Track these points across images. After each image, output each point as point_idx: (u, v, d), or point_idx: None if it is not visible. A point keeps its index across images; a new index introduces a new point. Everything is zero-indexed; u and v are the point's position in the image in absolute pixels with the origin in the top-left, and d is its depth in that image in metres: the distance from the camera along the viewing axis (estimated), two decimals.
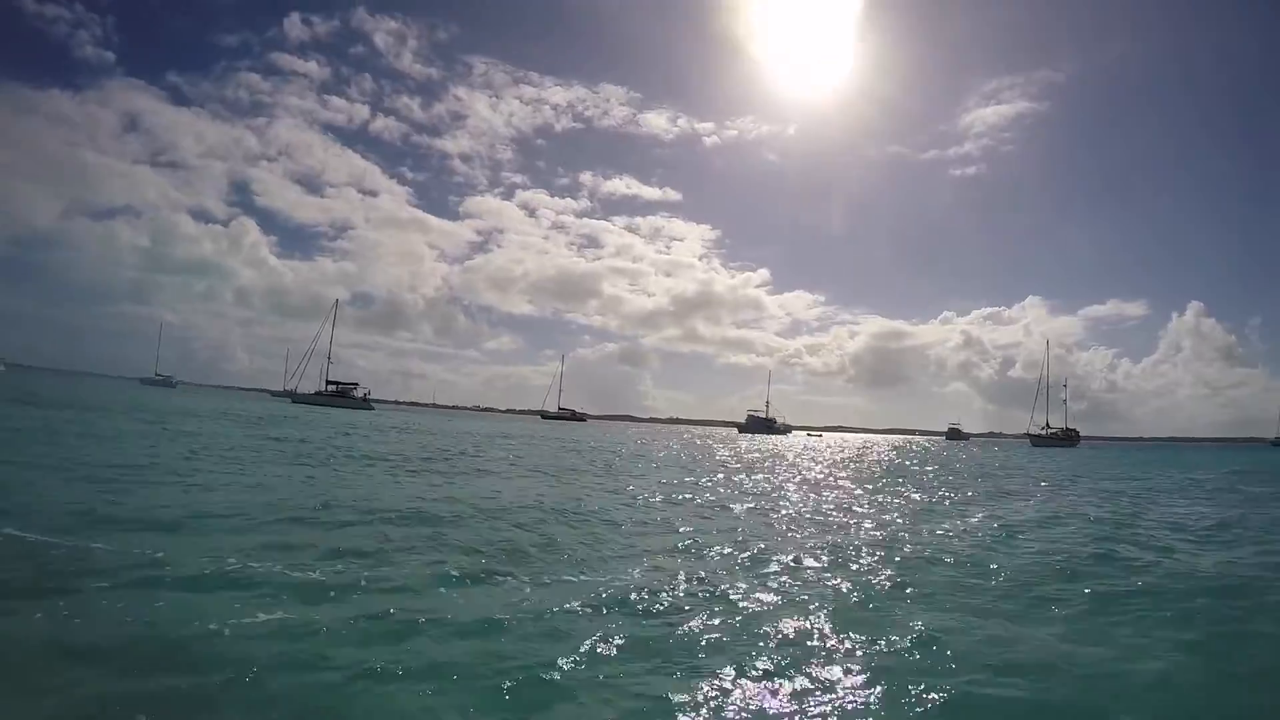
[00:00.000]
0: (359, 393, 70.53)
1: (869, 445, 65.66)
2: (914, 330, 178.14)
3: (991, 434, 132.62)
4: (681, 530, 8.96)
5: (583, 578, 6.09)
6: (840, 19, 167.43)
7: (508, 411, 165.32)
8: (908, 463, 31.15)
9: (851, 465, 27.43)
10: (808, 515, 11.10)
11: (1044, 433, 78.72)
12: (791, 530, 9.49)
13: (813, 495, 14.38)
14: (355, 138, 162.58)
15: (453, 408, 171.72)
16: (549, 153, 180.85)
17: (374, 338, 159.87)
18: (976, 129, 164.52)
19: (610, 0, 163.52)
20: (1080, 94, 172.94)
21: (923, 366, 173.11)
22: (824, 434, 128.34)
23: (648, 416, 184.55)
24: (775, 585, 6.12)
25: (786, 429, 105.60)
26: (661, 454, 28.77)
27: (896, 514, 11.71)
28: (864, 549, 8.00)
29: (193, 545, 6.17)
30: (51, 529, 6.27)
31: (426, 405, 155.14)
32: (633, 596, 5.45)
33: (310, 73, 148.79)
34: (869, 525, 10.18)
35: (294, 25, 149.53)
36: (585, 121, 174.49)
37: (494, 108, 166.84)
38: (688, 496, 13.01)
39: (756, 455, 33.00)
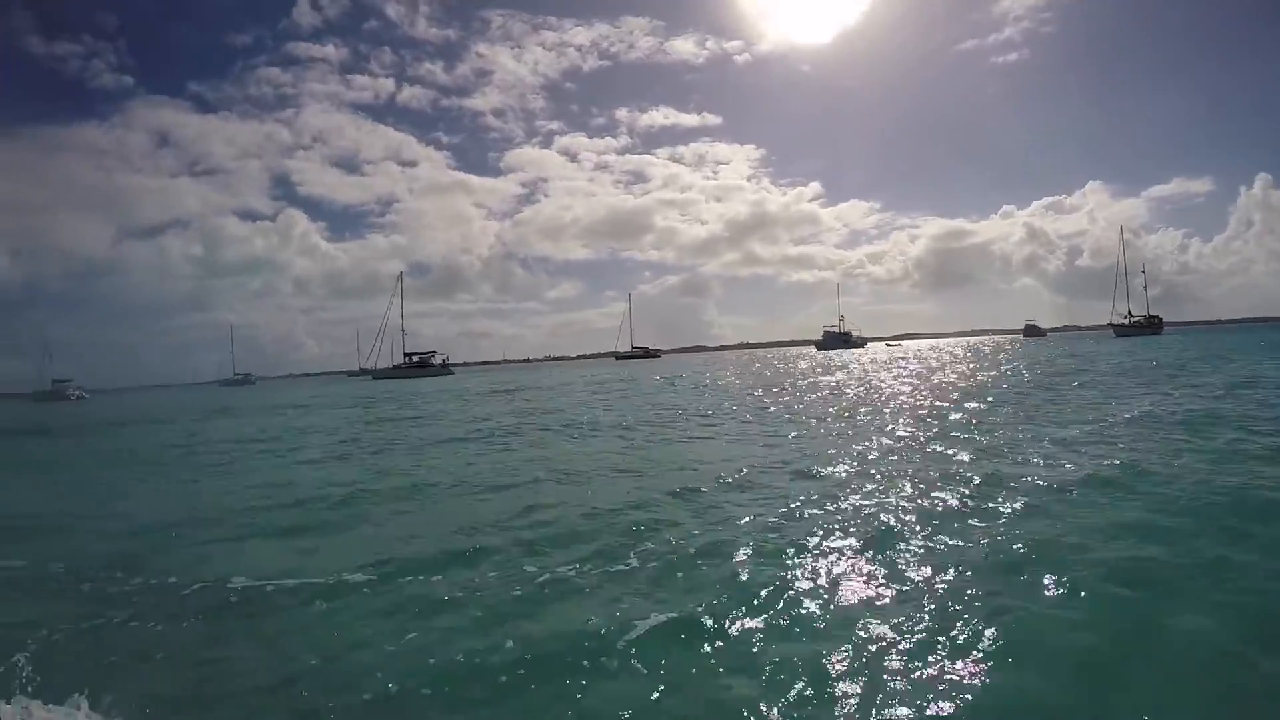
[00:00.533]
0: (437, 360, 70.82)
1: (962, 351, 61.31)
2: (975, 228, 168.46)
3: (1067, 327, 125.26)
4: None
5: None
6: None
7: (579, 357, 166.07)
8: (1033, 370, 27.81)
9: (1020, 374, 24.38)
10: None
11: (1126, 321, 74.64)
12: None
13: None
14: (385, 112, 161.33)
15: (524, 361, 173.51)
16: (581, 95, 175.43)
17: (435, 304, 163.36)
18: (1015, 12, 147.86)
19: None
20: None
21: (987, 264, 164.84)
22: (902, 343, 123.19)
23: (717, 345, 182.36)
24: None
25: (863, 341, 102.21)
26: (801, 382, 26.33)
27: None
28: None
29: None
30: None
31: (498, 363, 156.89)
32: None
33: (328, 56, 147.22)
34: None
35: (304, 12, 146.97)
36: (612, 58, 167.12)
37: (518, 58, 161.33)
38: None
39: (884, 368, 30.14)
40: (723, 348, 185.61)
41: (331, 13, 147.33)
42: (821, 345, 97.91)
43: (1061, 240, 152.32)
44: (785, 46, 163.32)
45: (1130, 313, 75.19)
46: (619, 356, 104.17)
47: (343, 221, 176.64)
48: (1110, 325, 76.04)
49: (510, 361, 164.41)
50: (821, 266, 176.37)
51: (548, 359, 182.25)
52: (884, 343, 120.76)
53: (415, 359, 70.04)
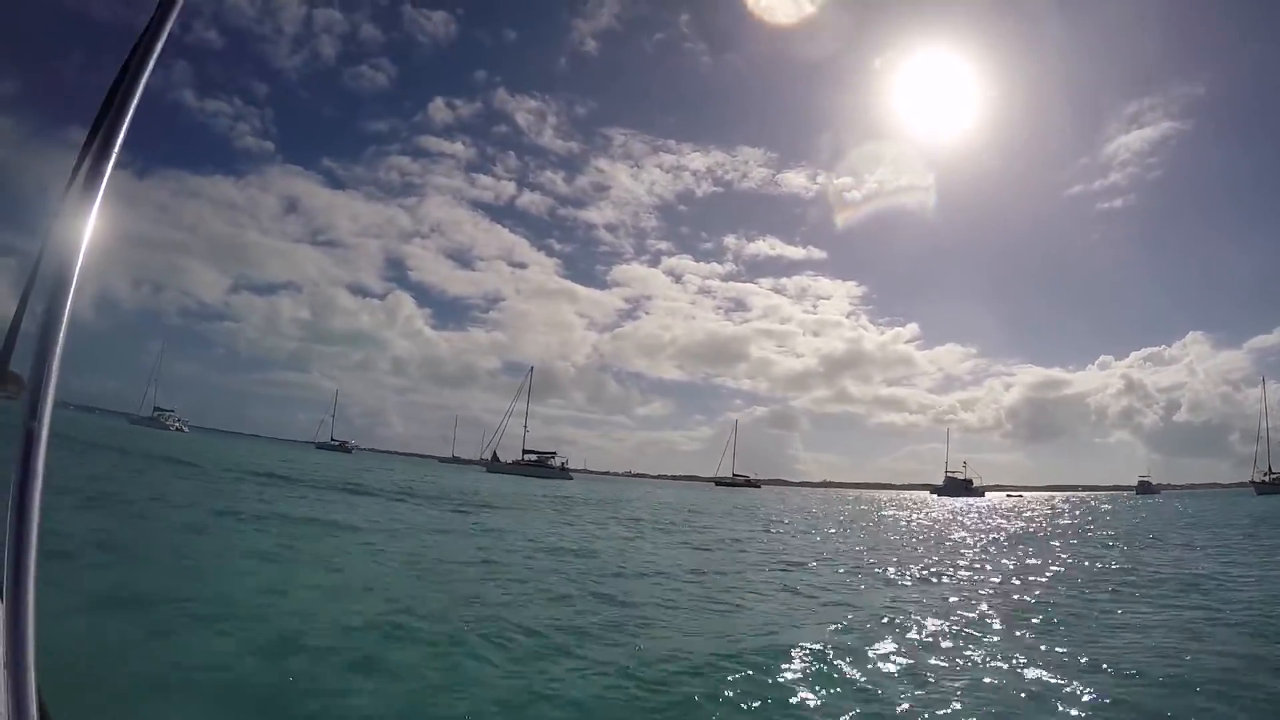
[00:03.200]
0: (556, 462, 69.44)
1: (1108, 506, 55.18)
2: (1070, 378, 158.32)
3: (1185, 485, 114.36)
4: None
5: None
6: (968, 62, 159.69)
7: (659, 477, 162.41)
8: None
9: None
10: None
11: (1266, 479, 70.57)
12: None
13: None
14: (503, 213, 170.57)
15: (604, 474, 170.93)
16: (692, 218, 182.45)
17: (525, 405, 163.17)
18: (1121, 157, 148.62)
19: (739, 65, 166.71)
20: (1225, 105, 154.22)
21: (1082, 416, 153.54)
22: (1024, 493, 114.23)
23: (799, 480, 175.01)
24: None
25: (982, 490, 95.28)
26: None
27: None
28: None
29: None
30: None
31: (578, 471, 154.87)
32: None
33: (457, 153, 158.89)
34: None
35: (439, 109, 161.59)
36: (725, 185, 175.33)
37: (635, 177, 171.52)
38: None
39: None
40: (805, 484, 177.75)
41: (465, 113, 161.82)
42: (941, 491, 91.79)
43: (1160, 393, 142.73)
44: (893, 185, 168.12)
45: (1270, 469, 71.89)
46: (719, 482, 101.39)
47: (448, 311, 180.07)
48: (1251, 483, 72.88)
49: (590, 472, 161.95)
50: (913, 410, 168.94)
51: (629, 474, 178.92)
52: (1005, 492, 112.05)
53: (534, 457, 68.97)
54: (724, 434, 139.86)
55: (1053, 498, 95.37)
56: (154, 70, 0.98)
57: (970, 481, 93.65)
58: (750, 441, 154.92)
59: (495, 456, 70.47)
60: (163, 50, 0.99)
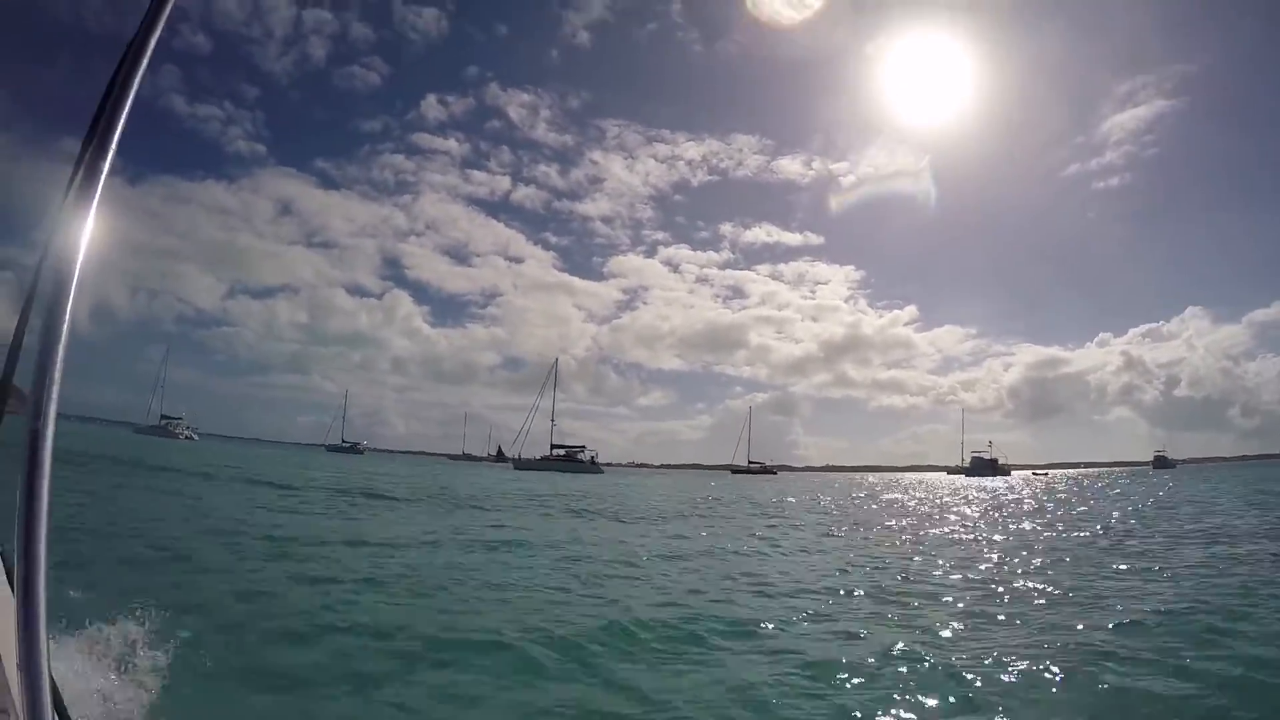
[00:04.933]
0: (586, 455, 66.61)
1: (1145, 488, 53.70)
2: (1070, 356, 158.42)
3: (1186, 460, 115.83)
4: None
5: None
6: (961, 44, 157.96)
7: (661, 466, 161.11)
8: None
9: None
10: None
11: None
12: None
13: None
14: (498, 208, 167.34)
15: (607, 464, 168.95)
16: (687, 207, 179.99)
17: (527, 399, 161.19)
18: (1116, 136, 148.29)
19: (732, 53, 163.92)
20: (1219, 83, 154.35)
21: (1082, 394, 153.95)
22: (1049, 472, 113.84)
23: (802, 465, 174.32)
24: None
25: (1008, 469, 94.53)
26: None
27: None
28: None
29: None
30: None
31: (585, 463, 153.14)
32: None
33: (450, 149, 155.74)
34: None
35: (431, 106, 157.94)
36: (720, 173, 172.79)
37: (630, 168, 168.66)
38: None
39: None
40: (808, 468, 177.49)
41: (457, 109, 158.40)
42: (969, 471, 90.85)
43: (1159, 369, 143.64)
44: (889, 168, 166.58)
45: None
46: (735, 470, 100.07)
47: (446, 308, 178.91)
48: None
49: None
50: (913, 392, 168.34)
51: (631, 464, 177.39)
52: (1031, 471, 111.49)
53: (562, 452, 66.04)
54: (725, 422, 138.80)
55: (1082, 475, 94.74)
56: (144, 77, 0.98)
57: (996, 461, 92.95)
58: (752, 428, 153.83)
59: (519, 455, 67.45)
60: (152, 56, 0.99)
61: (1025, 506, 26.00)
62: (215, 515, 13.50)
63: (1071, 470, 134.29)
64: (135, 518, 12.20)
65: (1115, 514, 20.46)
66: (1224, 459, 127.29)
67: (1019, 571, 10.34)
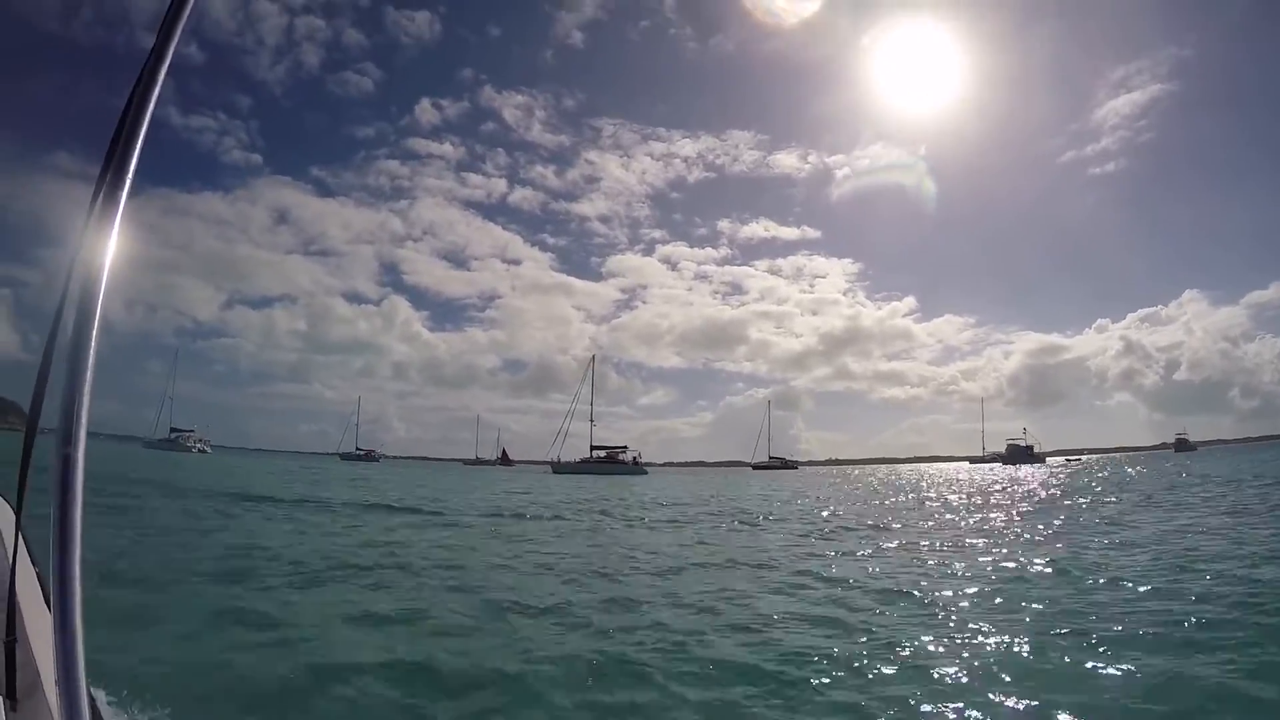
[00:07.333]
0: (628, 456, 63.15)
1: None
2: (1069, 343, 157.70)
3: (1204, 442, 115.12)
4: None
5: None
6: (955, 34, 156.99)
7: (665, 464, 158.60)
8: None
9: None
10: None
11: None
12: None
13: None
14: (495, 210, 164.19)
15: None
16: (684, 205, 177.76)
17: (527, 401, 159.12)
18: (1111, 122, 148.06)
19: (726, 49, 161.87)
20: (1213, 66, 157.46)
21: (1082, 380, 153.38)
22: (1081, 457, 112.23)
23: (805, 460, 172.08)
24: None
25: (1043, 456, 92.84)
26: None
27: None
28: None
29: None
30: None
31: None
32: None
33: (446, 154, 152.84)
34: None
35: (426, 111, 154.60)
36: (717, 170, 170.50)
37: (626, 166, 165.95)
38: None
39: None
40: (811, 463, 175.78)
41: (452, 113, 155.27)
42: (1007, 460, 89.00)
43: (1159, 353, 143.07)
44: (885, 159, 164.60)
45: None
46: (756, 466, 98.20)
47: (444, 313, 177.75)
48: None
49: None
50: (913, 383, 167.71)
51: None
52: (1064, 456, 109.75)
53: (603, 454, 62.57)
54: (726, 419, 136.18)
55: (1112, 460, 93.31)
56: (159, 95, 0.96)
57: (1031, 448, 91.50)
58: (752, 422, 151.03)
59: (558, 459, 63.81)
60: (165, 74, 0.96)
61: (1195, 493, 22.24)
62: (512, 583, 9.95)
63: (1094, 455, 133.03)
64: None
65: None
66: (1226, 441, 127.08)
67: None
